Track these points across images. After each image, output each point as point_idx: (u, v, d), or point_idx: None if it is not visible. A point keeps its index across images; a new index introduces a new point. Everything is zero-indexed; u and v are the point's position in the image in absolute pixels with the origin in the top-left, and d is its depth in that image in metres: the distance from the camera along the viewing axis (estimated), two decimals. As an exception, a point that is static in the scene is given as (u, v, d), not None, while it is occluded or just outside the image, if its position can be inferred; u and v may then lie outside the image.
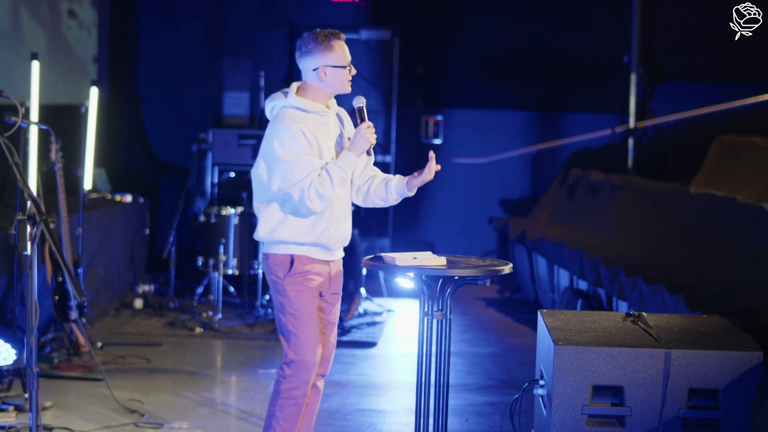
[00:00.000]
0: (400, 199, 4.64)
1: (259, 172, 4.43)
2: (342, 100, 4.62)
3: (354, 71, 4.47)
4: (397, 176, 4.63)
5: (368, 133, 4.42)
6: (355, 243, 8.63)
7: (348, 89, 4.47)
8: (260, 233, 4.47)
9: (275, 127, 4.36)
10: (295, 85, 4.46)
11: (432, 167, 4.55)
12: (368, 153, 4.47)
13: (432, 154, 4.61)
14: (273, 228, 4.43)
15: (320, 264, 4.49)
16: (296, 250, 4.44)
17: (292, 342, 4.44)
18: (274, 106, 4.46)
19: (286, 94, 4.45)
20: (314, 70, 4.39)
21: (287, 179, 4.32)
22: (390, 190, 4.59)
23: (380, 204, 4.69)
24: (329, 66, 4.38)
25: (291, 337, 4.44)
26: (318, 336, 4.48)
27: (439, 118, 10.64)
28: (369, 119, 4.46)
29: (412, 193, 4.62)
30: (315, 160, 4.34)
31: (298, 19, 11.31)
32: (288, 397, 4.46)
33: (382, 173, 4.66)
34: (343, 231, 4.53)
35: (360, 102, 4.47)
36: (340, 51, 4.39)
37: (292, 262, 4.44)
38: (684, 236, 7.37)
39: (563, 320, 4.83)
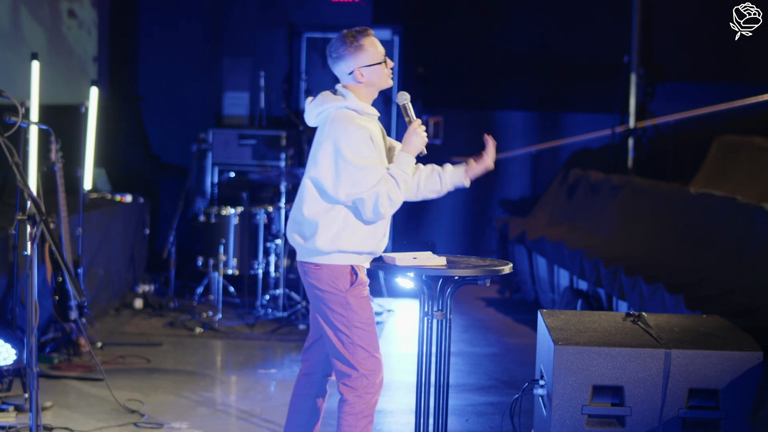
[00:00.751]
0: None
1: (319, 178, 4.21)
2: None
3: (391, 63, 4.32)
4: (449, 166, 4.49)
5: (421, 131, 4.30)
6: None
7: (390, 83, 4.33)
8: (319, 243, 4.22)
9: (339, 131, 4.17)
10: (342, 88, 4.30)
11: (491, 154, 4.42)
12: (421, 152, 4.33)
13: (490, 141, 4.47)
14: (335, 236, 4.22)
15: (365, 273, 4.36)
16: (355, 260, 4.27)
17: (360, 356, 4.25)
18: (325, 108, 4.28)
19: (335, 93, 4.29)
20: (350, 73, 4.27)
21: (358, 185, 4.14)
22: (444, 181, 4.48)
23: (432, 196, 4.55)
24: (364, 66, 4.25)
25: (359, 351, 4.24)
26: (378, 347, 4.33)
27: (440, 118, 10.64)
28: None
29: (468, 184, 4.51)
30: (382, 165, 4.21)
31: (298, 19, 11.31)
32: (365, 416, 4.28)
33: (423, 164, 4.50)
34: (387, 238, 4.42)
35: (404, 98, 4.34)
36: (372, 48, 4.25)
37: (354, 273, 4.27)
38: (684, 236, 7.37)
39: (563, 320, 4.83)
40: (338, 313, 4.26)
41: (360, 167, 4.14)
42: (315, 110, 4.31)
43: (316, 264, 4.27)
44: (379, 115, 4.36)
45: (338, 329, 4.27)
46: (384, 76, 4.29)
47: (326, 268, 4.25)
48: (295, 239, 4.33)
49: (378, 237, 4.30)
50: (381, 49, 4.29)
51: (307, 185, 4.27)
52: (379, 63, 4.27)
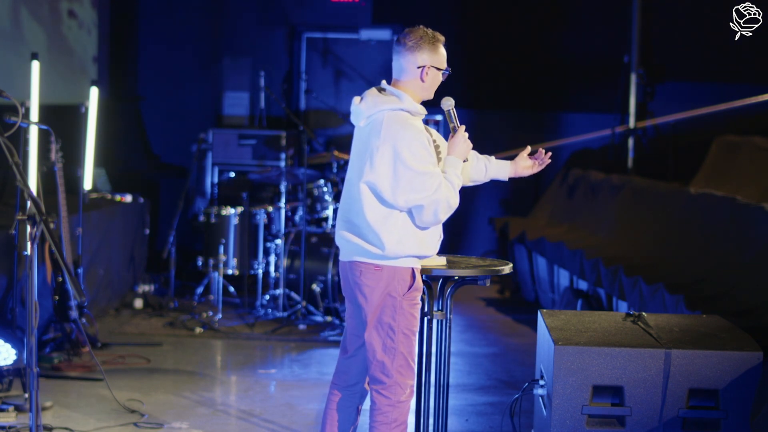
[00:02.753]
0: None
1: (377, 183, 4.11)
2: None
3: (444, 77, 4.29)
4: (495, 159, 4.47)
5: (466, 137, 4.26)
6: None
7: (432, 96, 4.30)
8: (387, 243, 4.10)
9: (399, 134, 4.08)
10: (392, 88, 4.23)
11: (543, 162, 4.44)
12: (465, 159, 4.29)
13: (542, 152, 4.46)
14: (399, 241, 4.12)
15: (421, 280, 4.29)
16: (416, 264, 4.20)
17: (398, 363, 4.16)
18: (383, 109, 4.16)
19: (382, 92, 4.20)
20: (419, 67, 4.18)
21: (418, 191, 4.05)
22: (489, 171, 4.44)
23: (470, 184, 4.50)
24: (434, 67, 4.20)
25: (398, 358, 4.16)
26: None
27: (439, 118, 10.62)
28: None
29: (506, 178, 4.49)
30: (439, 170, 4.14)
31: (298, 19, 11.31)
32: (399, 424, 4.21)
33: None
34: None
35: (449, 104, 4.30)
36: (444, 53, 4.22)
37: (413, 277, 4.19)
38: (684, 236, 7.37)
39: (563, 320, 4.83)
40: (387, 316, 4.18)
41: (420, 173, 4.05)
42: (367, 111, 4.19)
43: (376, 265, 4.17)
44: (426, 113, 4.29)
45: (383, 333, 4.19)
46: (436, 85, 4.27)
47: (387, 269, 4.15)
48: (349, 238, 4.21)
49: (437, 238, 4.26)
50: (446, 61, 4.27)
51: (364, 190, 4.15)
52: (443, 71, 4.24)
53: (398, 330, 4.17)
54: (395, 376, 4.18)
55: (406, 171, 4.06)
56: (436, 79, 4.24)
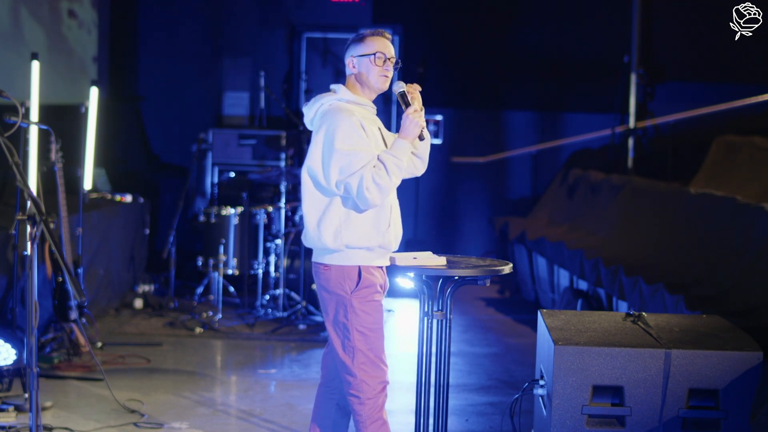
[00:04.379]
0: (426, 159, 4.45)
1: (314, 169, 4.20)
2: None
3: (388, 63, 4.27)
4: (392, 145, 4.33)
5: (417, 117, 4.23)
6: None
7: (382, 84, 4.28)
8: (324, 238, 4.18)
9: (329, 120, 4.18)
10: (334, 85, 4.34)
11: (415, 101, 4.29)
12: (420, 137, 4.27)
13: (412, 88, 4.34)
14: (337, 230, 4.17)
15: (381, 273, 4.29)
16: (364, 259, 4.22)
17: (359, 360, 4.21)
18: (321, 104, 4.29)
19: (331, 92, 4.32)
20: (347, 64, 4.30)
21: (345, 170, 4.10)
22: (391, 160, 4.21)
23: (406, 175, 4.41)
24: (356, 56, 4.27)
25: (358, 355, 4.21)
26: (384, 351, 4.29)
27: (439, 117, 10.64)
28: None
29: (414, 146, 4.34)
30: (373, 151, 4.16)
31: (298, 19, 11.31)
32: (374, 421, 4.23)
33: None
34: (400, 231, 4.38)
35: (400, 87, 4.30)
36: (371, 42, 4.26)
37: (359, 275, 4.22)
38: (684, 236, 7.37)
39: (563, 320, 4.83)
40: (341, 315, 4.23)
41: (346, 153, 4.11)
42: (311, 111, 4.34)
43: (325, 265, 4.24)
44: (375, 108, 4.35)
45: (340, 332, 4.25)
46: (374, 73, 4.26)
47: (335, 269, 4.22)
48: (307, 239, 4.31)
49: (382, 228, 4.24)
50: (381, 48, 4.26)
51: (305, 181, 4.26)
52: (369, 55, 4.25)
53: (353, 329, 4.21)
54: (358, 374, 4.22)
55: (334, 152, 4.12)
56: (367, 66, 4.27)
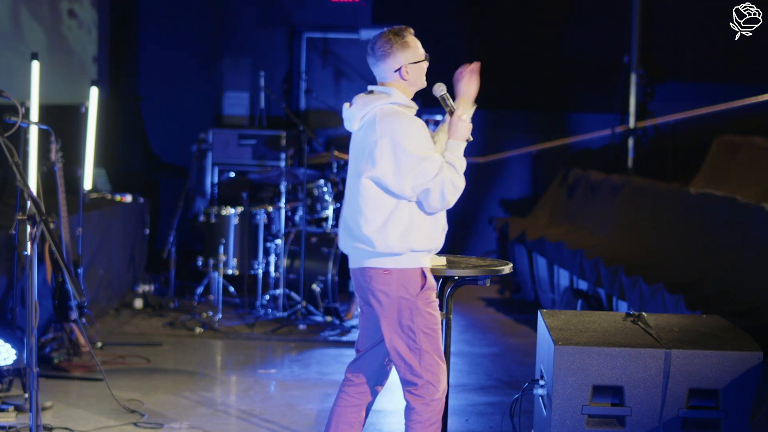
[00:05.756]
0: None
1: (380, 176, 4.12)
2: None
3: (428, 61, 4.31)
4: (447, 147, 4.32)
5: (465, 118, 4.29)
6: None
7: (425, 83, 4.32)
8: (390, 242, 4.13)
9: (394, 125, 4.12)
10: (382, 87, 4.26)
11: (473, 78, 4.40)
12: (468, 139, 4.31)
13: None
14: (403, 234, 4.13)
15: (432, 277, 4.28)
16: (424, 261, 4.20)
17: (426, 362, 4.18)
18: (371, 108, 4.20)
19: (374, 93, 4.24)
20: (396, 71, 4.22)
21: (422, 176, 4.08)
22: (454, 160, 4.25)
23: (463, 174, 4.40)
24: (410, 63, 4.23)
25: (425, 357, 4.18)
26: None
27: (439, 118, 10.61)
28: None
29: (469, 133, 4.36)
30: (439, 154, 4.17)
31: (298, 19, 11.31)
32: (433, 423, 4.25)
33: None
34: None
35: (441, 90, 4.32)
36: (416, 45, 4.25)
37: (424, 276, 4.19)
38: (684, 236, 7.37)
39: (563, 320, 4.83)
40: (406, 318, 4.18)
41: (421, 158, 4.08)
42: (359, 113, 4.23)
43: (385, 269, 4.17)
44: (418, 108, 4.33)
45: (406, 335, 4.20)
46: (423, 75, 4.29)
47: (396, 272, 4.16)
48: (355, 245, 4.23)
49: (440, 231, 4.25)
50: (422, 48, 4.29)
51: (365, 187, 4.17)
52: (422, 61, 4.26)
53: (418, 330, 4.19)
54: (426, 376, 4.20)
55: (408, 158, 4.08)
56: (417, 71, 4.27)
